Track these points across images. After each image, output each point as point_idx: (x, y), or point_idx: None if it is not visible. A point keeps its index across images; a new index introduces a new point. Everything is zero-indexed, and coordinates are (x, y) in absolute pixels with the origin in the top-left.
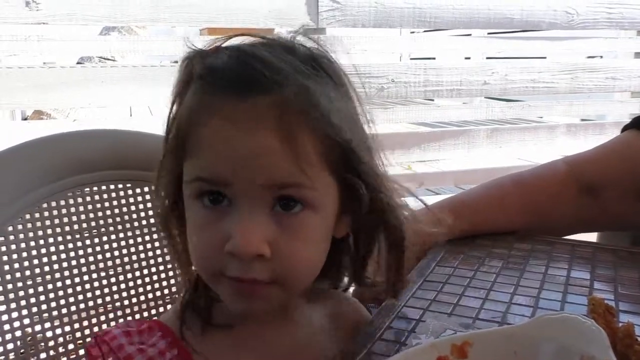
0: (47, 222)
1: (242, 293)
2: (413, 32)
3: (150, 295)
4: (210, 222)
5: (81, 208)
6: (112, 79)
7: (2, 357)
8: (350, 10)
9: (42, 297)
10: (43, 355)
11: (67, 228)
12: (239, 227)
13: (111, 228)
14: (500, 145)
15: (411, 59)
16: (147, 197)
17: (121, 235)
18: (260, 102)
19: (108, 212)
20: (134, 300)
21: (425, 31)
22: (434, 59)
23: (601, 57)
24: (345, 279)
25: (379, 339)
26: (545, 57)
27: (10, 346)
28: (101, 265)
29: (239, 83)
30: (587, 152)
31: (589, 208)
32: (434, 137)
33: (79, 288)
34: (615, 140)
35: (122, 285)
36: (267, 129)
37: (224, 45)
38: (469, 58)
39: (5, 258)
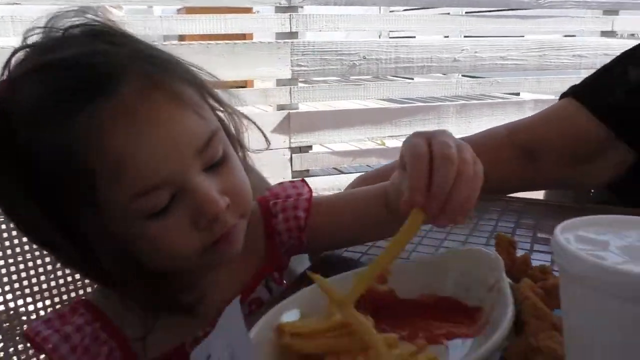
0: None
1: (231, 241)
2: (392, 11)
3: None
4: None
5: None
6: None
7: None
8: None
9: (24, 274)
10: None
11: None
12: (200, 200)
13: None
14: (469, 120)
15: (390, 37)
16: None
17: None
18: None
19: None
20: None
21: (405, 10)
22: (414, 37)
23: (573, 35)
24: None
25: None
26: (515, 36)
27: None
28: None
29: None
30: (526, 118)
31: (528, 170)
32: (404, 112)
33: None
34: (552, 107)
35: None
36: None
37: None
38: (447, 37)
39: None
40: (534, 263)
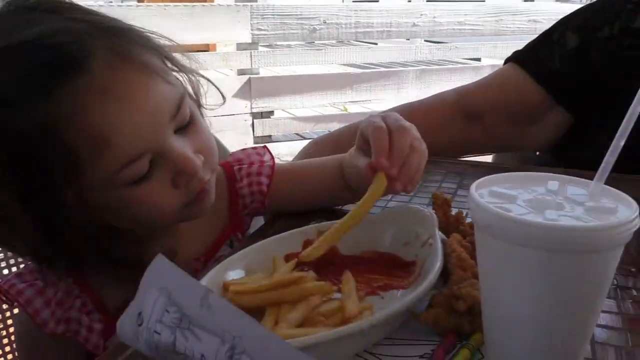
0: None
1: (207, 195)
2: None
3: None
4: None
5: None
6: None
7: None
8: None
9: None
10: None
11: None
12: (179, 161)
13: None
14: (428, 85)
15: (354, 1)
16: None
17: None
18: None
19: None
20: None
21: None
22: (377, 1)
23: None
24: None
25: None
26: (474, 1)
27: None
28: None
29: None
30: (474, 83)
31: (474, 132)
32: (365, 78)
33: None
34: (497, 71)
35: None
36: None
37: None
38: (410, 0)
39: None
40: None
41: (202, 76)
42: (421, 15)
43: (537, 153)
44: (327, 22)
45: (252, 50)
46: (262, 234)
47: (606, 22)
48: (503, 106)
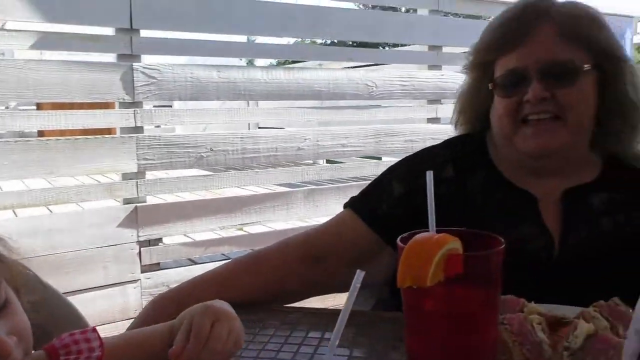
0: None
1: None
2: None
3: None
4: None
5: None
6: None
7: None
8: (166, 85)
9: None
10: None
11: None
12: None
13: None
14: (316, 204)
15: (259, 127)
16: None
17: None
18: None
19: None
20: None
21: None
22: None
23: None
24: None
25: None
26: (353, 125)
27: None
28: None
29: None
30: (317, 228)
31: (318, 275)
32: (255, 201)
33: None
34: (336, 216)
35: None
36: None
37: None
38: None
39: None
40: None
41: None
42: (305, 139)
43: None
44: (213, 149)
45: (139, 180)
46: None
47: (422, 173)
48: (342, 249)
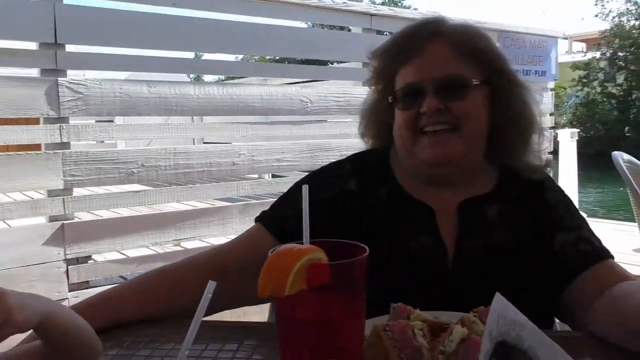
0: None
1: None
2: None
3: None
4: None
5: None
6: None
7: None
8: (93, 100)
9: None
10: None
11: None
12: None
13: None
14: (252, 218)
15: (205, 142)
16: None
17: None
18: None
19: None
20: None
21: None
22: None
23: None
24: None
25: None
26: (287, 140)
27: None
28: None
29: None
30: (226, 243)
31: (225, 289)
32: (189, 216)
33: None
34: (247, 231)
35: None
36: None
37: None
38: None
39: None
40: None
41: None
42: (239, 155)
43: None
44: (145, 165)
45: (65, 196)
46: None
47: (326, 186)
48: (250, 263)
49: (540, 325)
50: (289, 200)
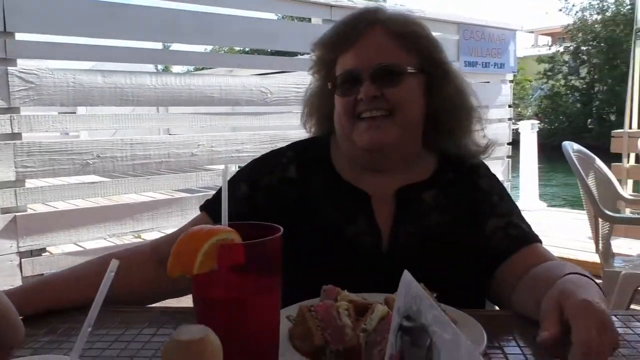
0: None
1: None
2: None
3: None
4: None
5: None
6: None
7: None
8: (46, 90)
9: None
10: None
11: None
12: None
13: None
14: None
15: (170, 134)
16: None
17: None
18: None
19: None
20: None
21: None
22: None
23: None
24: None
25: None
26: (248, 131)
27: None
28: None
29: None
30: (171, 232)
31: (164, 277)
32: (146, 207)
33: None
34: (191, 220)
35: None
36: None
37: None
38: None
39: None
40: None
41: None
42: (199, 145)
43: None
44: (100, 156)
45: (17, 188)
46: None
47: (267, 173)
48: None
49: (472, 305)
50: (231, 187)
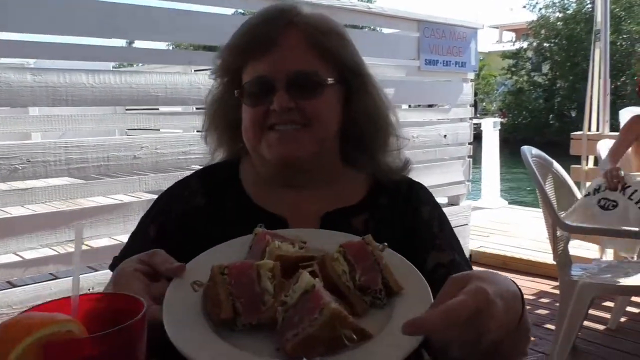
0: None
1: None
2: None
3: None
4: None
5: None
6: None
7: None
8: None
9: None
10: None
11: None
12: None
13: None
14: None
15: (127, 134)
16: None
17: None
18: None
19: None
20: None
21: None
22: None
23: None
24: None
25: None
26: (196, 132)
27: None
28: None
29: None
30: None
31: None
32: (85, 214)
33: None
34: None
35: None
36: None
37: None
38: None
39: None
40: None
41: None
42: (141, 148)
43: None
44: (31, 160)
45: None
46: None
47: (175, 205)
48: None
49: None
50: (141, 233)
